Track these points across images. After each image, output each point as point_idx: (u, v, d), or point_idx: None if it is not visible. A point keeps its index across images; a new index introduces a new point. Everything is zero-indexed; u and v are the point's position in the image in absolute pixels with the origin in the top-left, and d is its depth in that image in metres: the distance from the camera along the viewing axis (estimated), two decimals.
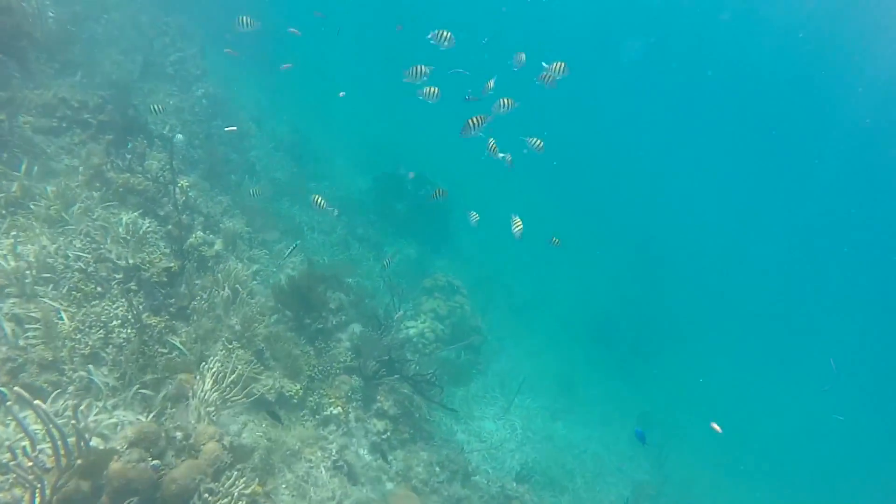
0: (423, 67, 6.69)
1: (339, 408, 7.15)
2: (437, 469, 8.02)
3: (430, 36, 6.41)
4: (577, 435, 14.22)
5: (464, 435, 11.14)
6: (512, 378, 13.99)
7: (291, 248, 8.76)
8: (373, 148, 20.01)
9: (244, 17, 7.93)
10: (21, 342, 5.39)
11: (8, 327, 5.36)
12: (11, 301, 5.65)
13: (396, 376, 7.68)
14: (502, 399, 13.10)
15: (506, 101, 6.57)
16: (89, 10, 12.22)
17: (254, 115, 15.07)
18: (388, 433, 7.58)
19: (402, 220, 16.28)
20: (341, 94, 10.97)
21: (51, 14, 10.20)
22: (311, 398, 7.12)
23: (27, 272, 5.83)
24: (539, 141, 7.61)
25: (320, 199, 7.59)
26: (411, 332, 11.41)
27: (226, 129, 10.97)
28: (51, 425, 4.06)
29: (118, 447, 4.65)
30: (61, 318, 5.52)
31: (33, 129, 8.22)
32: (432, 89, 6.64)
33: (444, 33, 6.47)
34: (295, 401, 6.84)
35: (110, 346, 5.80)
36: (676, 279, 28.83)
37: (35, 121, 8.25)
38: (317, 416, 7.04)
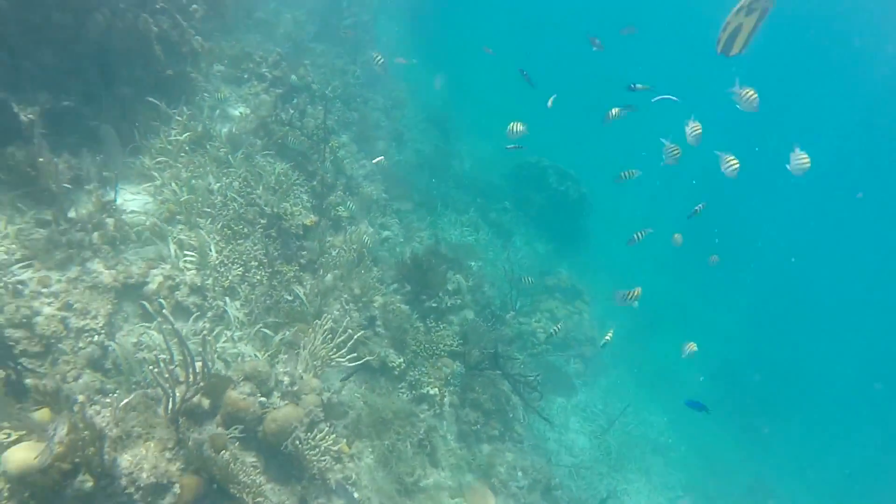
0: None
1: (437, 389, 7.14)
2: (520, 474, 7.73)
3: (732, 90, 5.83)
4: (676, 476, 12.95)
5: (555, 445, 10.66)
6: (618, 399, 13.07)
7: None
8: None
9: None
10: (181, 264, 6.09)
11: (173, 249, 6.07)
12: (179, 227, 6.39)
13: (499, 372, 7.47)
14: (603, 418, 12.31)
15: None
16: None
17: (412, 85, 15.49)
18: (479, 425, 7.43)
19: (536, 212, 15.83)
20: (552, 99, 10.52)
21: None
22: (411, 373, 7.19)
23: (194, 204, 6.56)
24: (677, 149, 6.78)
25: None
26: (523, 328, 11.09)
27: (395, 59, 11.12)
28: (185, 348, 4.49)
29: (235, 377, 5.06)
30: (211, 251, 6.10)
31: (223, 77, 9.21)
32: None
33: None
34: (396, 372, 6.94)
35: (245, 284, 6.33)
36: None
37: (226, 70, 9.22)
38: (413, 392, 7.10)
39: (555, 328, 9.10)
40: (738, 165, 6.27)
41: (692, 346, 7.61)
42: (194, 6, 7.29)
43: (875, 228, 37.16)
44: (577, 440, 11.50)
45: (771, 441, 16.64)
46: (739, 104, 5.76)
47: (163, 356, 4.72)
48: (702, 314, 20.01)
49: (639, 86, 6.86)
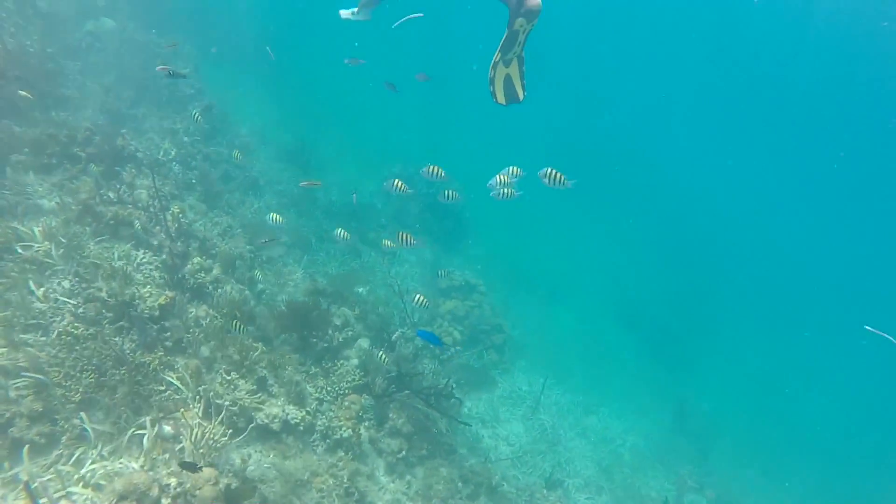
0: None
1: (350, 430, 6.85)
2: (460, 484, 7.66)
3: None
4: (613, 428, 13.67)
5: (491, 440, 10.76)
6: (539, 375, 13.51)
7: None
8: (382, 151, 19.67)
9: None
10: (12, 394, 5.26)
11: None
12: (0, 352, 5.51)
13: (407, 392, 7.34)
14: (530, 399, 12.66)
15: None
16: (82, 41, 12.22)
17: (255, 128, 14.88)
18: (404, 451, 7.25)
19: (414, 220, 15.91)
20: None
21: (32, 50, 10.16)
22: (320, 422, 6.84)
23: (14, 321, 5.70)
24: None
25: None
26: None
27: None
28: None
29: None
30: (45, 371, 5.33)
31: (25, 166, 8.16)
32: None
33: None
34: (301, 427, 6.57)
35: (104, 389, 5.63)
36: (710, 261, 27.71)
37: (27, 159, 8.18)
38: (327, 441, 6.76)
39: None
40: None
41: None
42: None
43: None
44: (512, 428, 11.70)
45: (682, 366, 18.09)
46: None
47: None
48: (599, 270, 21.35)
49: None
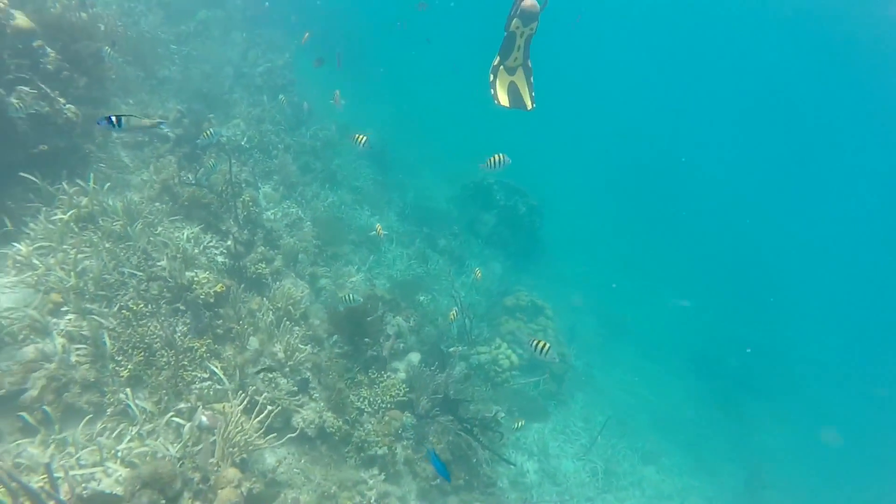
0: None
1: (386, 447, 6.52)
2: None
3: None
4: (671, 484, 12.46)
5: (536, 476, 10.07)
6: (598, 412, 12.60)
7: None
8: (462, 157, 19.45)
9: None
10: (71, 359, 5.40)
11: (59, 344, 5.38)
12: (67, 318, 5.70)
13: (451, 417, 6.90)
14: (585, 437, 11.79)
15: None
16: (193, 28, 12.93)
17: (341, 123, 15.09)
18: (439, 479, 6.81)
19: (488, 232, 15.47)
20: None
21: (148, 36, 10.80)
22: (357, 434, 6.57)
23: (85, 288, 5.89)
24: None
25: None
26: (483, 357, 10.55)
27: (332, 100, 10.25)
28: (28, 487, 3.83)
29: (130, 490, 4.39)
30: (104, 342, 5.43)
31: (122, 143, 8.60)
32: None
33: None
34: (337, 437, 6.32)
35: (152, 369, 5.67)
36: (793, 307, 25.10)
37: (125, 136, 8.62)
38: (362, 455, 6.46)
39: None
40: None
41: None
42: (65, 73, 6.72)
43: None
44: (560, 465, 10.92)
45: (759, 424, 16.35)
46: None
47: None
48: (668, 307, 19.85)
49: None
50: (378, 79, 20.04)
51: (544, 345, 5.75)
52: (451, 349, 7.51)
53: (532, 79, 4.55)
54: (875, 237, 37.21)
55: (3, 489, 3.93)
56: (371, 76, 18.38)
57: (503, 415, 7.82)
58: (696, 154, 41.19)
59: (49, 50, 6.60)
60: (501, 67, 4.49)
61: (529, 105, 4.58)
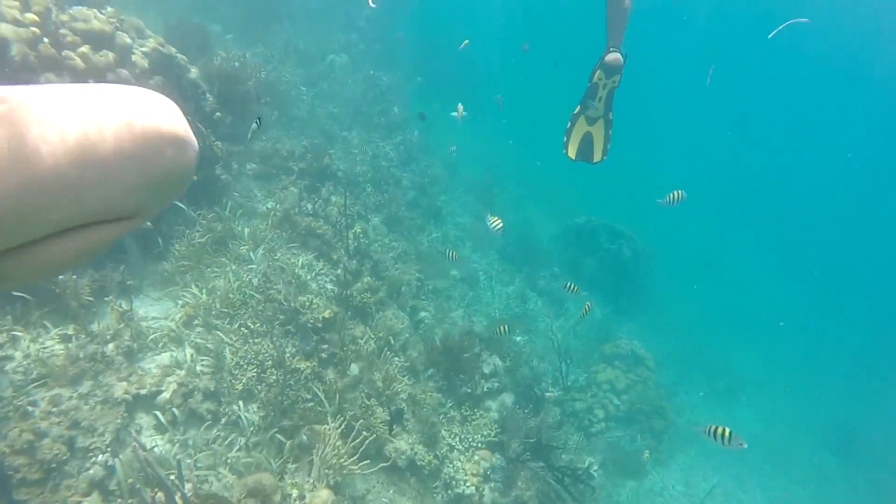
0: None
1: (473, 487, 6.41)
2: None
3: None
4: None
5: None
6: (700, 477, 11.44)
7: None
8: (569, 196, 19.20)
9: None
10: (197, 368, 5.99)
11: (189, 354, 6.00)
12: (197, 330, 6.36)
13: (542, 464, 6.64)
14: (686, 502, 10.72)
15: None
16: (321, 72, 14.23)
17: (450, 160, 15.62)
18: None
19: (590, 275, 14.98)
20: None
21: (285, 79, 12.04)
22: (446, 470, 6.54)
23: (212, 305, 6.55)
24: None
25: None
26: (578, 405, 10.08)
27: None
28: (164, 478, 4.22)
29: (237, 495, 4.71)
30: (224, 356, 5.95)
31: (255, 174, 9.58)
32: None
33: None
34: (427, 471, 6.32)
35: (262, 384, 6.10)
36: None
37: (257, 167, 9.60)
38: (448, 492, 6.41)
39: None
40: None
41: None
42: (217, 114, 7.68)
43: None
44: None
45: None
46: None
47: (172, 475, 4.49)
48: (794, 370, 17.68)
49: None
50: (494, 108, 20.63)
51: (724, 431, 5.14)
52: (548, 393, 7.26)
53: (611, 132, 4.58)
54: None
55: (142, 476, 4.42)
56: (487, 107, 18.85)
57: (596, 468, 7.37)
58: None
59: (209, 95, 7.62)
60: (582, 117, 4.56)
61: (598, 157, 4.63)
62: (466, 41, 11.11)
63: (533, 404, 7.18)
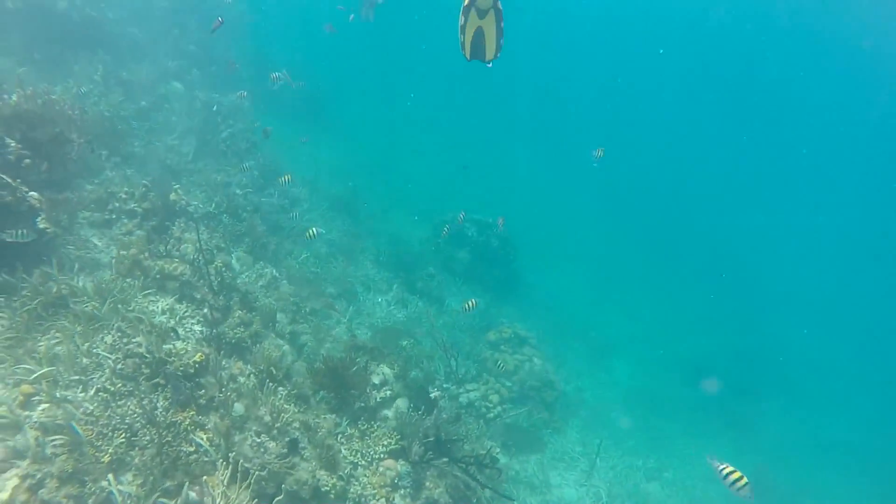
0: None
1: (383, 499, 6.42)
2: None
3: None
4: (677, 498, 12.38)
5: None
6: (594, 435, 12.56)
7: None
8: (431, 198, 19.76)
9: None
10: (47, 451, 5.25)
11: (32, 437, 5.23)
12: (41, 408, 5.56)
13: (445, 459, 6.84)
14: (584, 461, 11.70)
15: None
16: (153, 103, 13.13)
17: (307, 178, 15.31)
18: None
19: (464, 269, 15.63)
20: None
21: (107, 114, 10.93)
22: (353, 489, 6.46)
23: (59, 376, 5.78)
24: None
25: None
26: (472, 395, 10.51)
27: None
28: None
29: None
30: (75, 430, 5.29)
31: (90, 223, 8.59)
32: None
33: None
34: (332, 495, 6.19)
35: (135, 449, 5.53)
36: (778, 305, 25.65)
37: (91, 215, 8.62)
38: None
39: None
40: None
41: None
42: (26, 160, 6.77)
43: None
44: (564, 494, 10.79)
45: (757, 426, 16.38)
46: None
47: None
48: (653, 323, 20.07)
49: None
50: (343, 127, 20.46)
51: (740, 479, 4.84)
52: (433, 393, 7.49)
53: (503, 24, 4.10)
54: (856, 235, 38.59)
55: None
56: (335, 125, 18.72)
57: (498, 450, 7.76)
58: (669, 155, 42.53)
59: (8, 140, 6.67)
60: (473, 9, 4.03)
61: (491, 55, 4.19)
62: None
63: (426, 405, 7.36)
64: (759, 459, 14.30)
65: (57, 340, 6.14)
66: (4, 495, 4.64)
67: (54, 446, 5.26)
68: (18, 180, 6.43)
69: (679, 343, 19.06)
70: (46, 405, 5.57)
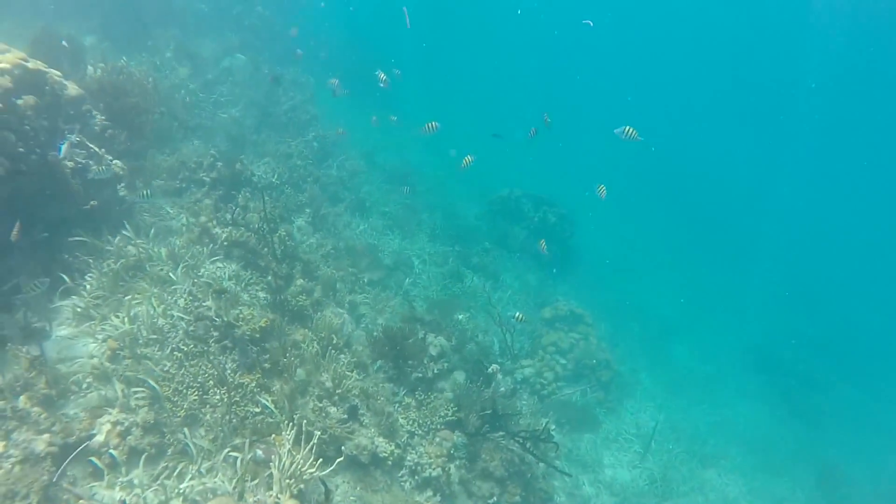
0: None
1: (439, 469, 6.50)
2: None
3: None
4: (735, 486, 11.95)
5: (591, 488, 9.82)
6: (650, 417, 12.25)
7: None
8: (488, 174, 19.44)
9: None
10: (131, 403, 5.61)
11: (119, 389, 5.60)
12: (125, 363, 5.94)
13: (501, 433, 6.84)
14: (638, 443, 11.46)
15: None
16: (219, 76, 13.51)
17: (365, 150, 15.43)
18: (496, 497, 6.73)
19: (519, 244, 15.41)
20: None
21: (177, 87, 11.32)
22: (410, 457, 6.57)
23: (138, 334, 6.14)
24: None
25: None
26: (527, 370, 10.44)
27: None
28: None
29: None
30: (153, 386, 5.61)
31: (162, 191, 9.00)
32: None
33: None
34: (390, 462, 6.33)
35: (206, 407, 5.83)
36: (852, 292, 23.96)
37: (164, 183, 9.02)
38: (416, 478, 6.46)
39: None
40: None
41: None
42: (110, 131, 7.12)
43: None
44: (616, 475, 10.63)
45: (827, 420, 15.52)
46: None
47: None
48: (717, 306, 19.21)
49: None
50: (407, 101, 20.34)
51: None
52: (490, 367, 7.45)
53: None
54: None
55: None
56: (400, 100, 18.63)
57: (553, 426, 7.69)
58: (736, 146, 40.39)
59: (95, 112, 7.02)
60: None
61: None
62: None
63: (483, 378, 7.35)
64: (830, 453, 13.59)
65: (137, 301, 6.50)
66: (100, 437, 5.01)
67: (137, 398, 5.62)
68: (103, 149, 6.77)
69: (743, 329, 18.19)
70: (129, 361, 5.94)
